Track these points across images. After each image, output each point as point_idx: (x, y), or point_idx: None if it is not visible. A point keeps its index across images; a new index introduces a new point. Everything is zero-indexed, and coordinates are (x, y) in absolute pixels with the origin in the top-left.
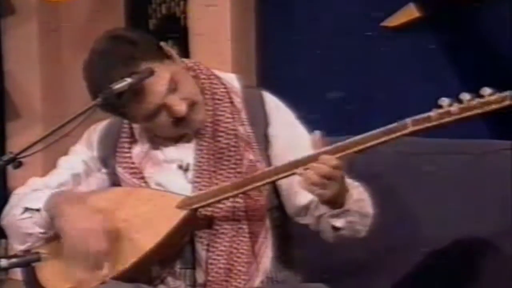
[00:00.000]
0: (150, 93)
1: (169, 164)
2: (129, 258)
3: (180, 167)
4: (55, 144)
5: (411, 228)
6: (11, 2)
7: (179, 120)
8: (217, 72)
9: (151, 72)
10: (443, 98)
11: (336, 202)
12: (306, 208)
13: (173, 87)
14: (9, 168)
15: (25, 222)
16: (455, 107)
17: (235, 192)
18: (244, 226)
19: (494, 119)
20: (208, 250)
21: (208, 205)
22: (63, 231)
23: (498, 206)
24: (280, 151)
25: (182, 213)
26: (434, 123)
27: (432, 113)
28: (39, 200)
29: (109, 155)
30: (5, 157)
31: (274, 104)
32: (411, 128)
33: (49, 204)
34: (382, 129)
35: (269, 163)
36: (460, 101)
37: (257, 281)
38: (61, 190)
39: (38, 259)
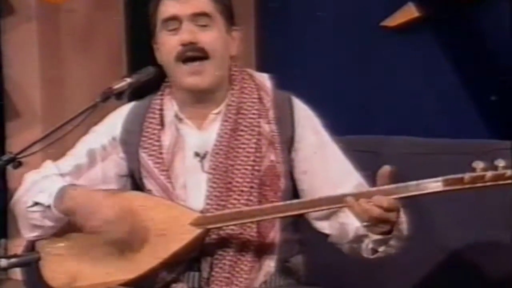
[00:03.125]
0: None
1: (188, 152)
2: (135, 269)
3: (197, 154)
4: (55, 144)
5: (411, 228)
6: (10, 2)
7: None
8: (250, 70)
9: (151, 73)
10: (477, 161)
11: (383, 233)
12: (331, 214)
13: (203, 24)
14: (9, 168)
15: (35, 214)
16: (490, 174)
17: (254, 219)
18: (253, 225)
19: (494, 119)
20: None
21: (223, 227)
22: (84, 227)
23: (498, 206)
24: (304, 157)
25: (196, 232)
26: (466, 186)
27: (466, 175)
28: (48, 194)
29: (132, 137)
30: (5, 157)
31: (303, 110)
32: (441, 188)
33: (61, 205)
34: (410, 183)
35: (290, 166)
36: (495, 168)
37: (259, 282)
38: (68, 186)
39: (38, 259)
